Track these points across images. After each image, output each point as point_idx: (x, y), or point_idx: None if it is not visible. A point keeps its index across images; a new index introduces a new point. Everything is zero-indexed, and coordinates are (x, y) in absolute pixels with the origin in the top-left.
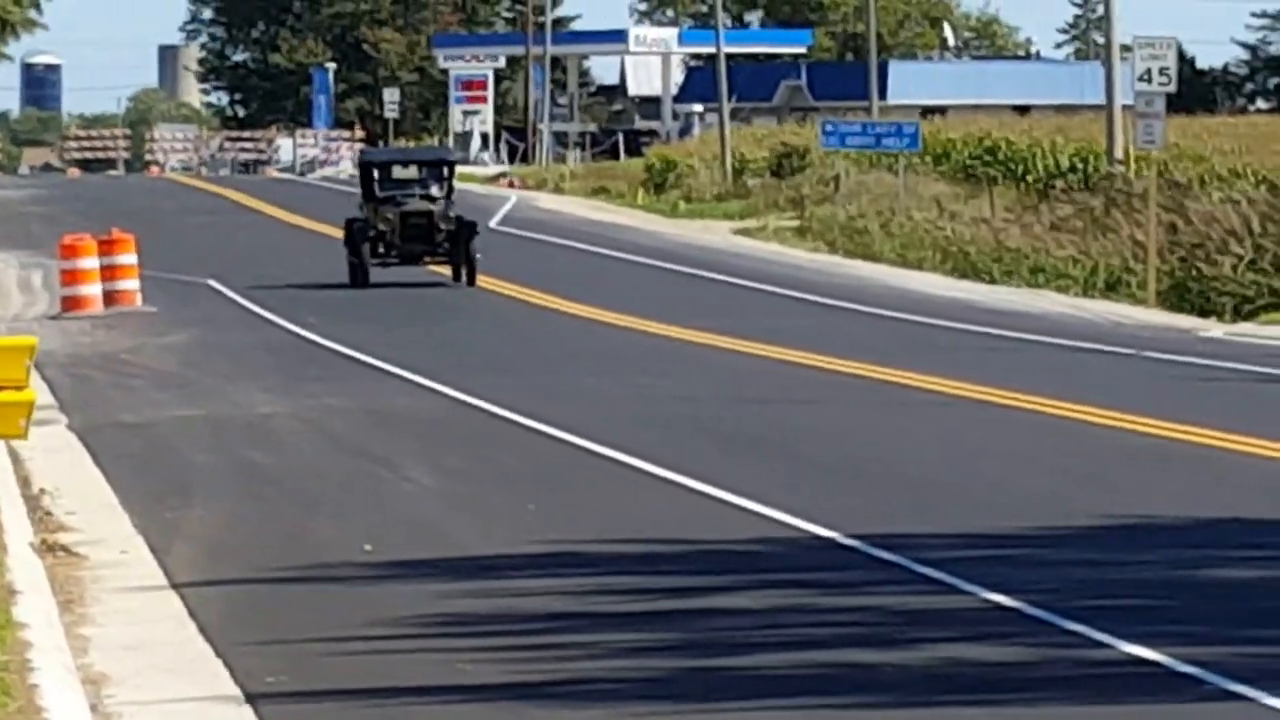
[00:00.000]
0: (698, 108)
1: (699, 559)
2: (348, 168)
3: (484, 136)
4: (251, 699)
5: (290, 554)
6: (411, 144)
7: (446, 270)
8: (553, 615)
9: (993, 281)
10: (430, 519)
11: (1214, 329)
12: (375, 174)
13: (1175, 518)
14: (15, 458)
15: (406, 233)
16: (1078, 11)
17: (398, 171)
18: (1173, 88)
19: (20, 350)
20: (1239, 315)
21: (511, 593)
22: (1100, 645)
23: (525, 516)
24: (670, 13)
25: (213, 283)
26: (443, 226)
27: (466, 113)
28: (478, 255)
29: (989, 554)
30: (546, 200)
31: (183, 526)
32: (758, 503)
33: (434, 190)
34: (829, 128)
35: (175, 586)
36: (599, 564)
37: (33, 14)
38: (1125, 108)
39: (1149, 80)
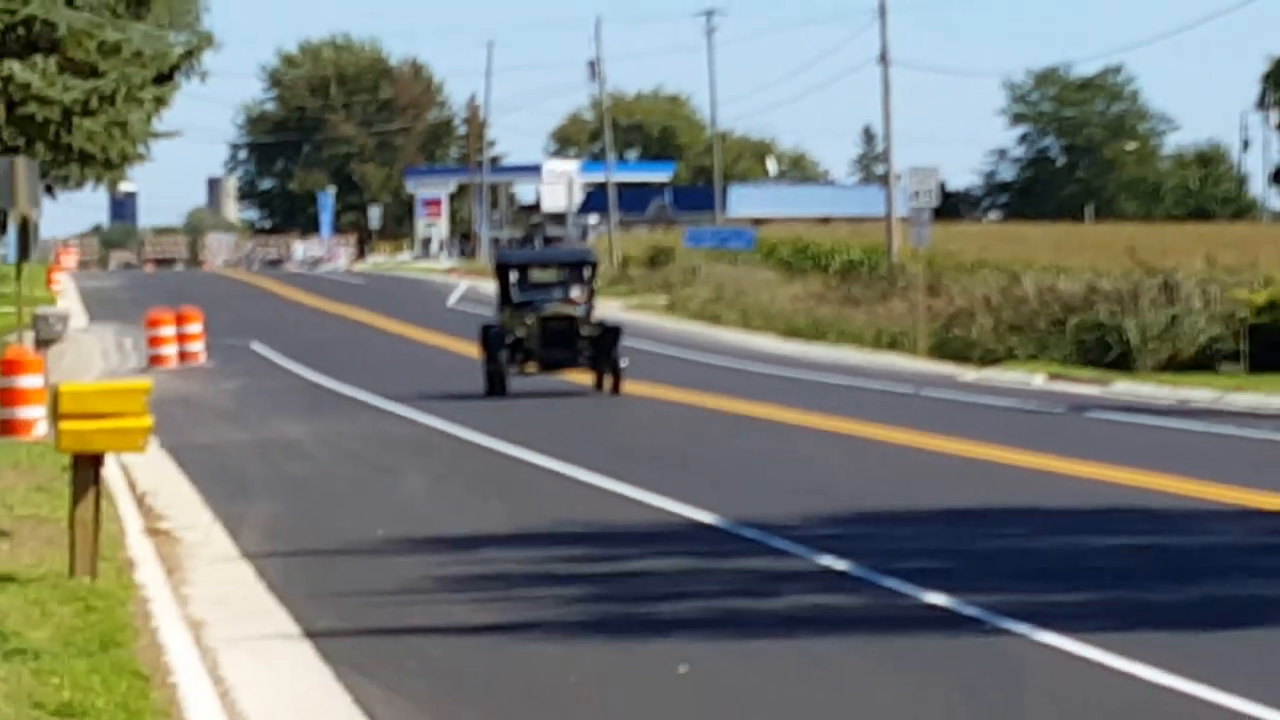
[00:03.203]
0: (592, 219)
1: (618, 537)
2: (343, 264)
3: (440, 241)
4: (309, 635)
5: (325, 535)
6: (387, 247)
7: (588, 378)
8: (513, 577)
9: (809, 341)
10: (432, 504)
11: (968, 374)
12: (513, 276)
13: (951, 507)
14: (125, 470)
15: (547, 338)
16: (862, 151)
17: (536, 274)
18: (935, 204)
19: (140, 391)
20: (984, 363)
21: (482, 561)
22: (914, 597)
23: (489, 508)
24: (574, 150)
25: (257, 347)
26: (585, 332)
27: (427, 224)
28: (623, 363)
29: (822, 533)
30: (486, 286)
31: (247, 516)
32: (657, 496)
33: (575, 293)
34: (691, 233)
35: (246, 557)
36: (546, 541)
37: (140, 149)
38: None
39: (918, 199)
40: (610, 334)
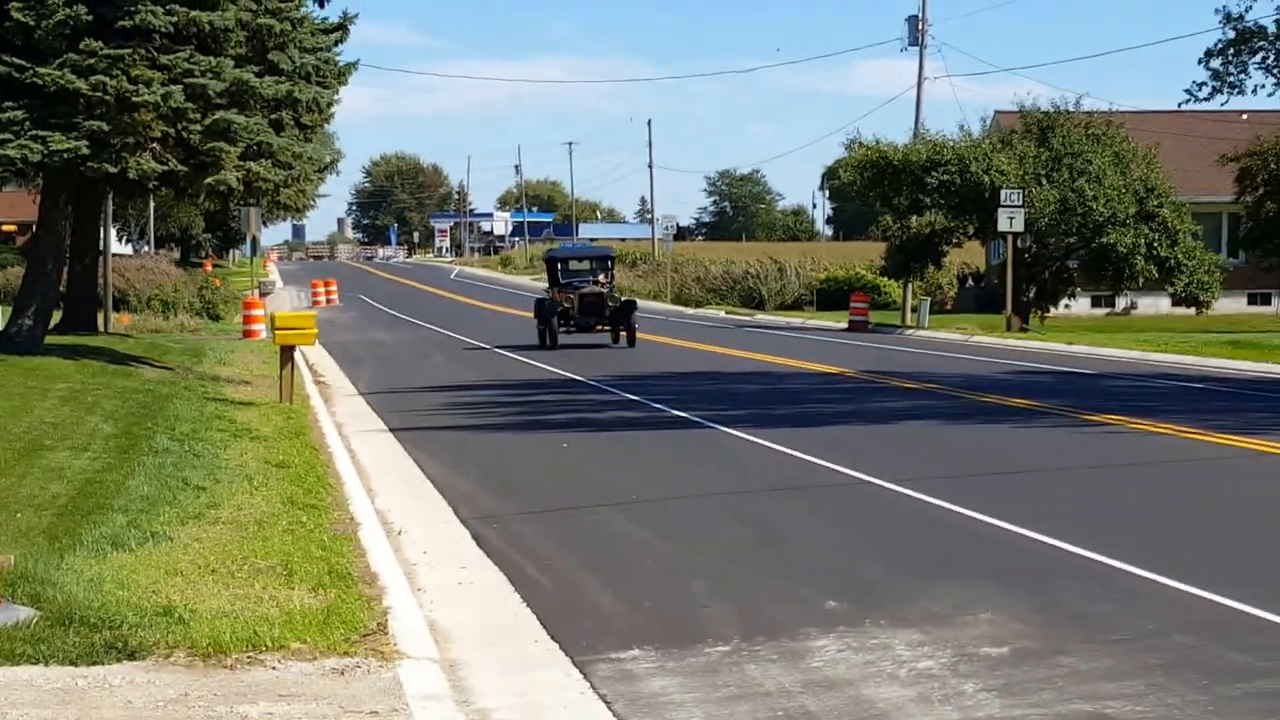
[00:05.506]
0: (517, 239)
1: (540, 385)
2: (402, 259)
3: (446, 248)
4: (390, 430)
5: (397, 383)
6: (422, 251)
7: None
8: (486, 402)
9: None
10: (446, 371)
11: (689, 311)
12: (558, 266)
13: (706, 374)
14: (303, 354)
15: (584, 308)
16: (640, 207)
17: (574, 264)
18: (674, 233)
19: (310, 317)
20: (697, 306)
21: (474, 395)
22: (668, 412)
23: (474, 373)
24: (508, 206)
25: (363, 297)
26: (609, 304)
27: (440, 240)
28: (635, 326)
29: (635, 383)
30: (469, 270)
31: (360, 375)
32: (563, 370)
33: (601, 277)
34: (563, 246)
35: (360, 394)
36: (506, 387)
37: (310, 204)
38: (659, 240)
39: (666, 230)
40: (628, 305)
